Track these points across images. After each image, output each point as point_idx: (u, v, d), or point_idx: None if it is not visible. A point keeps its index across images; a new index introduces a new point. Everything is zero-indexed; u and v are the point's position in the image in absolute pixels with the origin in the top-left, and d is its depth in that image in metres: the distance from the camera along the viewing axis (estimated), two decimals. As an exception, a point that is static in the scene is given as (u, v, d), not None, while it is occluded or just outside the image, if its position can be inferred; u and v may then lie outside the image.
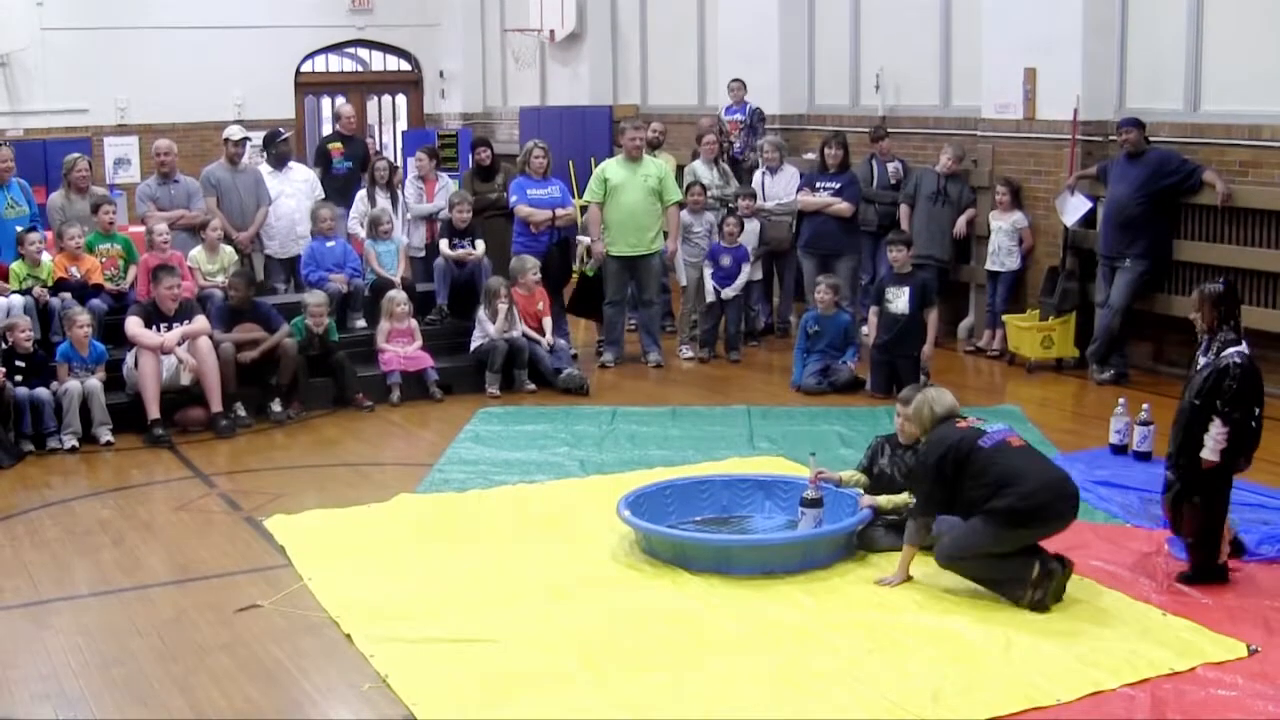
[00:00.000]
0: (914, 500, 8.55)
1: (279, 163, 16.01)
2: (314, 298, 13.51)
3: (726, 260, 14.99)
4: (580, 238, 17.14)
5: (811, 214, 15.48)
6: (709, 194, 15.75)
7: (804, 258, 15.70)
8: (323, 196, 15.84)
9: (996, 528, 8.02)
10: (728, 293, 14.99)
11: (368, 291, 14.49)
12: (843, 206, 15.25)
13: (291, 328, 13.23)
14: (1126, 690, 6.97)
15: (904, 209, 15.60)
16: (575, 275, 16.04)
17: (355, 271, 14.48)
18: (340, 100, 23.93)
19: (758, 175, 16.38)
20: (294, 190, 15.77)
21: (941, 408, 8.52)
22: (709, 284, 15.03)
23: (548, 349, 14.10)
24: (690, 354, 15.26)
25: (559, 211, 15.21)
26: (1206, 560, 8.40)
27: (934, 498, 8.31)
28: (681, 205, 15.19)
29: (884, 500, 9.04)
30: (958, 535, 8.22)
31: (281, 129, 17.38)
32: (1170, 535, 9.07)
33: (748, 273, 15.16)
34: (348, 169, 16.95)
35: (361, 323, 14.38)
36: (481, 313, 14.06)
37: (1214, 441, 8.16)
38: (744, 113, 17.91)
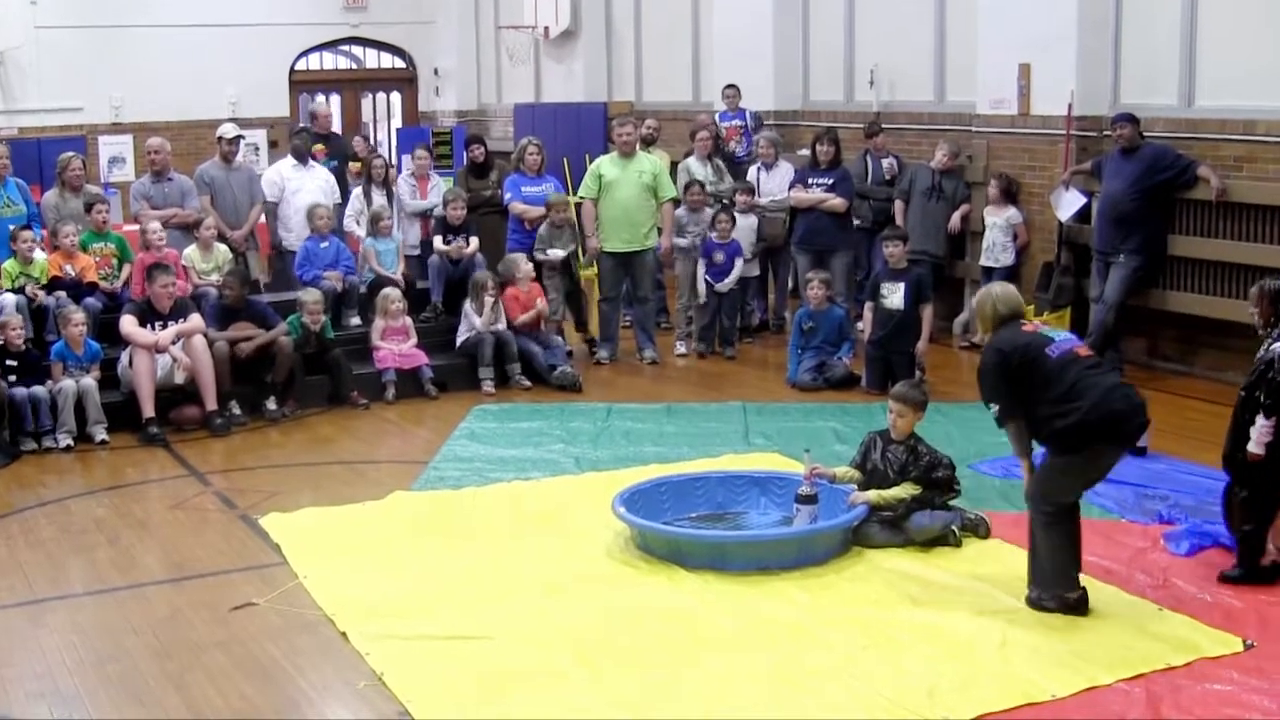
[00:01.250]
0: (991, 408, 8.01)
1: (300, 157, 16.02)
2: (310, 295, 13.50)
3: (720, 256, 14.97)
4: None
5: (805, 210, 15.47)
6: (705, 190, 15.75)
7: (798, 254, 15.69)
8: (339, 200, 15.90)
9: (1069, 454, 7.77)
10: (721, 286, 14.97)
11: (363, 289, 14.48)
12: (836, 202, 15.24)
13: (288, 325, 13.22)
14: (1122, 685, 6.97)
15: (899, 205, 15.60)
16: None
17: (349, 269, 14.47)
18: (319, 99, 23.96)
19: (753, 171, 16.38)
20: (315, 186, 15.77)
21: (1006, 306, 8.13)
22: (701, 281, 15.02)
23: (541, 346, 14.08)
24: (685, 350, 15.25)
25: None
26: (1250, 558, 8.33)
27: (1011, 397, 7.85)
28: (677, 202, 15.18)
29: (874, 495, 9.04)
30: (1040, 478, 7.93)
31: (304, 125, 17.40)
32: (1166, 531, 9.10)
33: (740, 268, 15.14)
34: (334, 168, 16.88)
35: (356, 320, 14.37)
36: (468, 306, 14.07)
37: (1258, 434, 8.09)
38: (741, 118, 17.91)
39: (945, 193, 15.40)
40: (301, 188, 15.65)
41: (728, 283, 15.02)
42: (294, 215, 15.48)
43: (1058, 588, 7.88)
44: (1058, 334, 8.09)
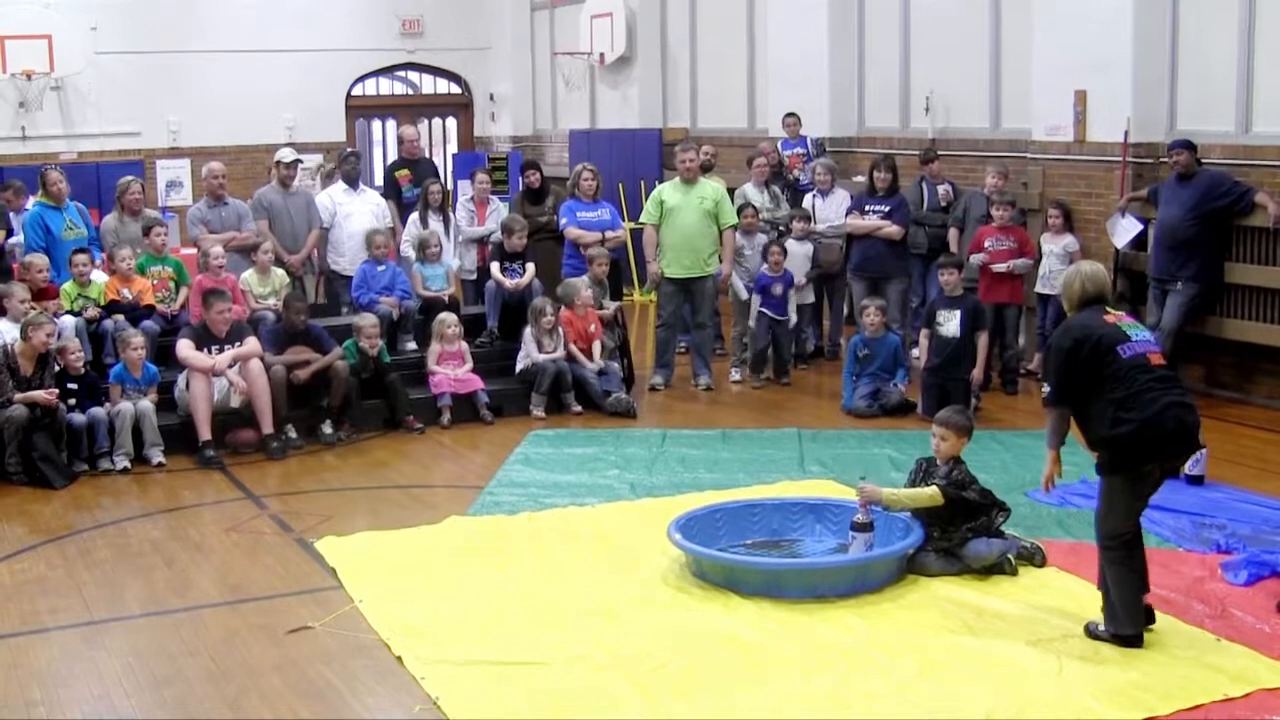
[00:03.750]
0: (1045, 389, 8.05)
1: (350, 182, 16.09)
2: (366, 319, 13.55)
3: (778, 289, 14.98)
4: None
5: (861, 237, 15.46)
6: (759, 217, 15.76)
7: (854, 281, 15.69)
8: (390, 223, 15.95)
9: (1119, 472, 7.71)
10: (787, 319, 15.03)
11: (419, 314, 14.52)
12: (892, 230, 15.23)
13: (344, 350, 13.28)
14: (1180, 716, 6.91)
15: (953, 232, 15.54)
16: (626, 299, 16.01)
17: (405, 294, 14.52)
18: (404, 126, 24.03)
19: (808, 198, 16.38)
20: (365, 210, 15.87)
21: (1094, 285, 8.03)
22: (753, 308, 15.06)
23: (596, 372, 14.10)
24: (740, 377, 15.25)
25: (608, 234, 15.26)
26: None
27: (1068, 383, 7.80)
28: (736, 228, 15.18)
29: (887, 494, 9.02)
30: (1100, 514, 7.84)
31: (352, 149, 17.47)
32: (1224, 560, 9.04)
33: (794, 300, 15.15)
34: (417, 195, 16.74)
35: (412, 345, 14.42)
36: (527, 333, 14.11)
37: None
38: (803, 145, 17.90)
39: (972, 217, 15.33)
40: (353, 212, 15.75)
41: (791, 316, 15.07)
42: (346, 240, 15.57)
43: (1118, 623, 7.81)
44: (1136, 332, 7.94)
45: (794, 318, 15.24)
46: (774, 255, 15.05)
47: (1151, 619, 7.94)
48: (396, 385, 13.49)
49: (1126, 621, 7.80)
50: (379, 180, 19.21)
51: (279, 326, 13.37)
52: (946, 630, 8.08)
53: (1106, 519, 7.82)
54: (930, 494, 9.00)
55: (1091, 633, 7.90)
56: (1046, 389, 7.96)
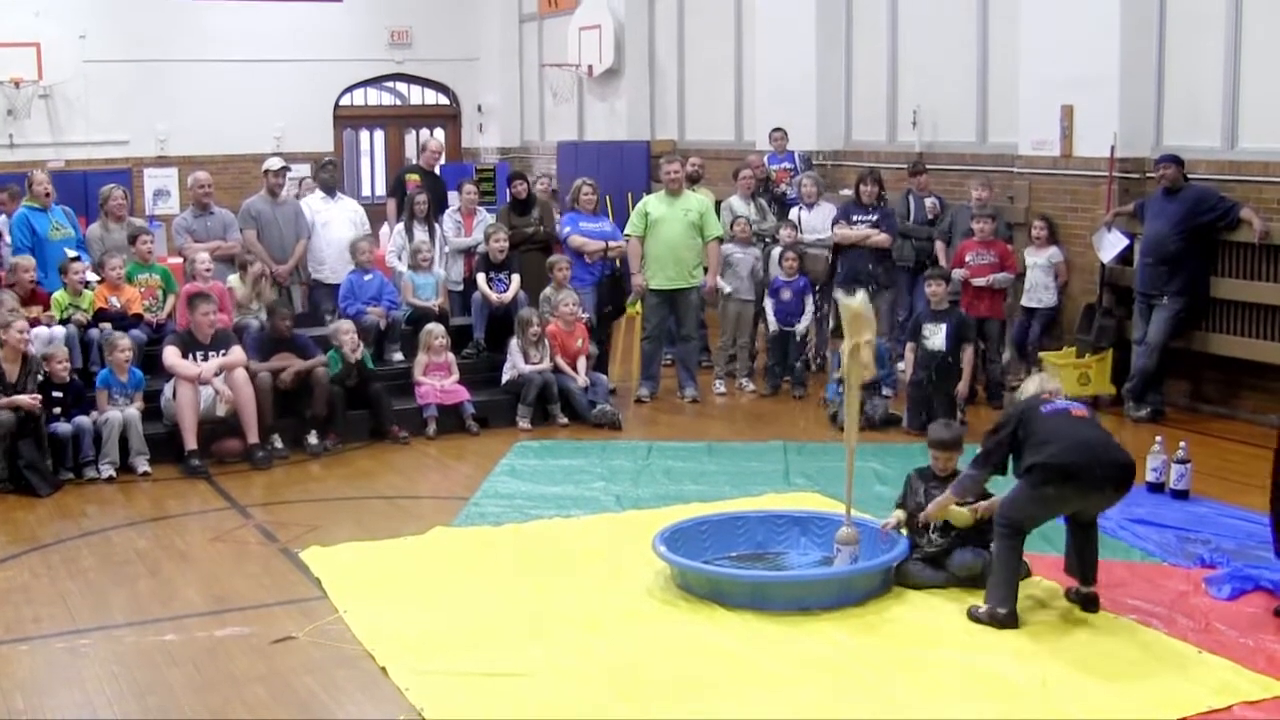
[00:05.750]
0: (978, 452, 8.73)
1: (328, 190, 16.11)
2: (343, 324, 13.59)
3: (787, 294, 15.02)
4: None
5: (848, 248, 15.48)
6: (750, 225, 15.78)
7: (844, 294, 15.68)
8: (367, 229, 15.93)
9: (1030, 487, 8.28)
10: (799, 328, 15.12)
11: (405, 324, 14.52)
12: (881, 238, 15.25)
13: (328, 359, 13.27)
14: (1163, 729, 6.94)
15: (940, 245, 15.55)
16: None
17: (393, 304, 14.53)
18: (430, 138, 24.03)
19: (794, 210, 16.39)
20: (343, 217, 15.87)
21: (1049, 387, 8.78)
22: (770, 317, 15.11)
23: (582, 388, 14.11)
24: (725, 389, 15.27)
25: (611, 244, 15.26)
26: None
27: (993, 453, 8.54)
28: (721, 240, 15.20)
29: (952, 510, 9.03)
30: (1005, 498, 8.52)
31: (330, 158, 17.51)
32: (1208, 574, 9.06)
33: (811, 306, 15.20)
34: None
35: (399, 355, 14.41)
36: (513, 344, 14.12)
37: None
38: (790, 160, 17.91)
39: (957, 230, 15.32)
40: (331, 220, 15.76)
41: (805, 321, 15.11)
42: (325, 248, 15.59)
43: (995, 600, 8.31)
44: (1065, 401, 8.74)
45: (808, 322, 15.24)
46: (789, 260, 15.07)
47: (1095, 607, 8.52)
48: (381, 395, 13.50)
49: (1003, 599, 8.28)
50: (366, 189, 19.17)
51: (263, 334, 13.37)
52: (931, 643, 8.08)
53: (1008, 504, 8.46)
54: (963, 517, 9.00)
55: (972, 615, 8.37)
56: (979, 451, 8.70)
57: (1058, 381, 9.05)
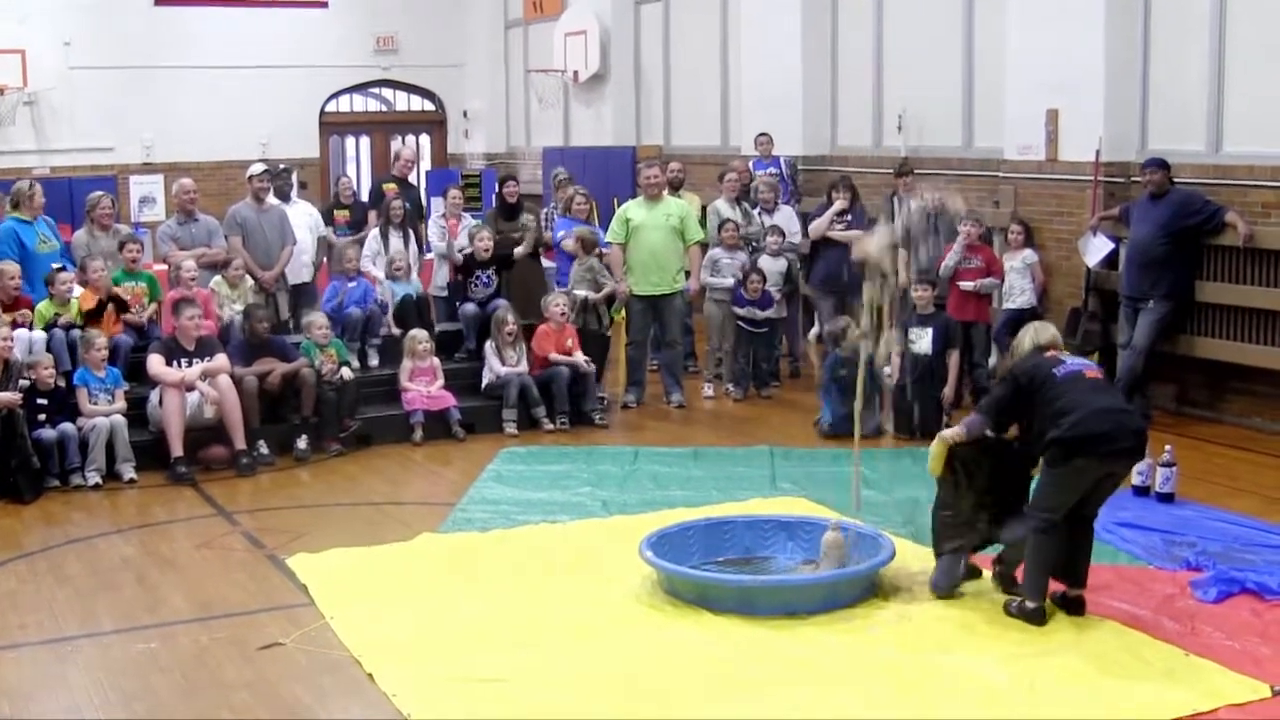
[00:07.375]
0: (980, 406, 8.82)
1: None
2: (315, 316, 13.70)
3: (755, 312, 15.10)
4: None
5: (825, 251, 15.48)
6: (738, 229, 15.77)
7: (820, 298, 15.69)
8: (323, 233, 16.20)
9: (1058, 464, 8.24)
10: (754, 313, 15.15)
11: (385, 330, 14.56)
12: (857, 233, 15.21)
13: (302, 352, 13.30)
14: (1150, 732, 6.94)
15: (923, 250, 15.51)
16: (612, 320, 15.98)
17: (381, 308, 14.59)
18: (401, 145, 24.01)
19: (754, 212, 16.35)
20: (301, 222, 15.93)
21: (1043, 336, 8.79)
22: (731, 321, 15.13)
23: (582, 368, 14.18)
24: (712, 394, 15.28)
25: (604, 252, 15.25)
26: None
27: (1002, 403, 8.56)
28: (704, 245, 15.21)
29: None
30: (1035, 490, 8.60)
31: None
32: (1194, 577, 9.07)
33: (772, 311, 15.19)
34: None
35: (375, 361, 14.42)
36: (489, 347, 14.14)
37: None
38: (775, 165, 17.89)
39: (941, 233, 15.24)
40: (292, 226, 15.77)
41: (765, 313, 15.14)
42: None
43: (1026, 593, 8.41)
44: (1074, 360, 8.61)
45: (769, 314, 15.25)
46: (753, 284, 15.07)
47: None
48: (350, 384, 13.44)
49: (1035, 592, 8.35)
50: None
51: (243, 339, 13.36)
52: (919, 647, 8.09)
53: (1038, 495, 8.53)
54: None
55: (1007, 610, 8.48)
56: (981, 404, 8.81)
57: (1052, 329, 8.97)
